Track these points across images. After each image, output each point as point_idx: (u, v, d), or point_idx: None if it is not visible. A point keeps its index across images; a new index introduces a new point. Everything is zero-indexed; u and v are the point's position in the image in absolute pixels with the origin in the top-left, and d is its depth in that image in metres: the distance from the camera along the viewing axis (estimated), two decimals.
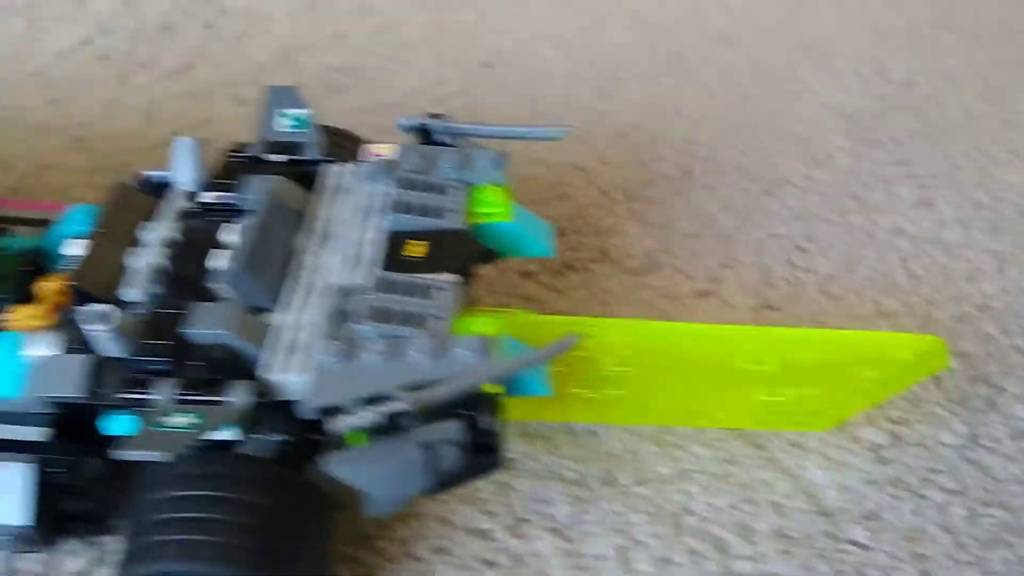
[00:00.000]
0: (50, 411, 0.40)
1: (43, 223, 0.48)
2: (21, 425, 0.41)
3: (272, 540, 0.38)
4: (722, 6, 0.80)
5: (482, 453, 0.38)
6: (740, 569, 0.44)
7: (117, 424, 0.40)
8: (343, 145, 0.51)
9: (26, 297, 0.43)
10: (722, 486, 0.47)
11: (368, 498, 0.38)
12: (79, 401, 0.39)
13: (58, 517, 0.41)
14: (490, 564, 0.44)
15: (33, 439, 0.40)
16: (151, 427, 0.36)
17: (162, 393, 0.38)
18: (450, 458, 0.37)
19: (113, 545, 0.43)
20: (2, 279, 0.44)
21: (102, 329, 0.39)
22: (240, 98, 0.68)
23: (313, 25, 0.75)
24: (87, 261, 0.42)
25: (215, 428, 0.37)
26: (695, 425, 0.49)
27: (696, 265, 0.57)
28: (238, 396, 0.38)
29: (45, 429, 0.41)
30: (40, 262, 0.46)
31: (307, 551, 0.39)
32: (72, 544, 0.43)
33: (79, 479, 0.41)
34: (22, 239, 0.48)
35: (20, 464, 0.40)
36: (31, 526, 0.40)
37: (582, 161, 0.63)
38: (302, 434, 0.40)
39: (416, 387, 0.37)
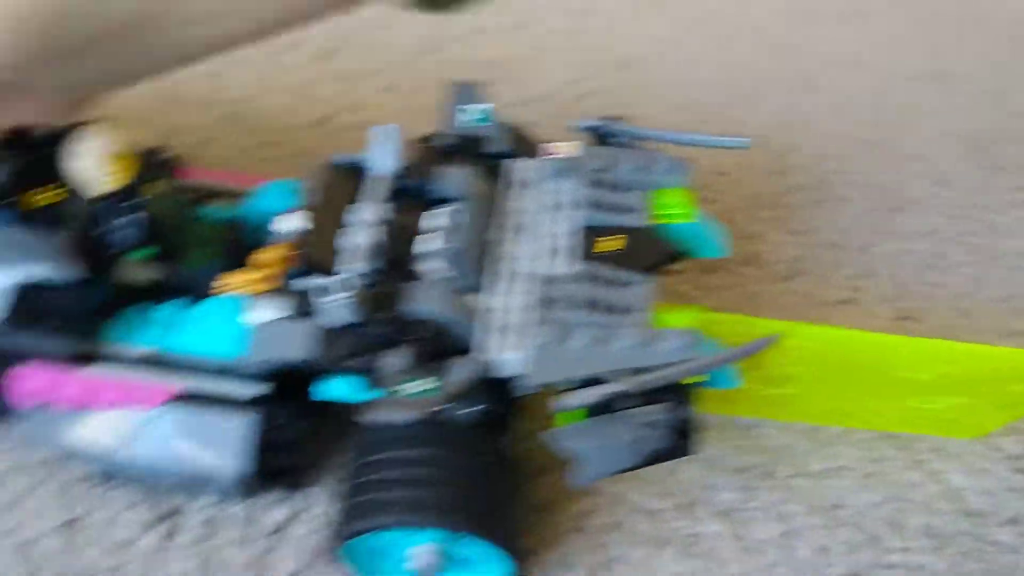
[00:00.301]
0: (269, 370, 0.44)
1: (236, 195, 0.52)
2: (242, 381, 0.44)
3: (480, 500, 0.41)
4: (845, 32, 0.82)
5: (681, 438, 0.41)
6: (893, 560, 0.47)
7: (334, 387, 0.43)
8: (520, 140, 0.54)
9: (234, 264, 0.47)
10: (871, 483, 0.50)
11: (579, 470, 0.40)
12: (304, 364, 0.42)
13: (267, 469, 0.45)
14: (664, 542, 0.47)
15: (253, 395, 0.44)
16: (392, 392, 0.39)
17: (394, 362, 0.41)
18: (656, 440, 0.40)
19: (308, 499, 0.47)
20: (214, 246, 0.48)
21: (334, 299, 0.41)
22: (386, 85, 0.71)
23: (458, 17, 0.78)
24: (309, 236, 0.45)
25: (447, 397, 0.40)
26: (846, 425, 0.52)
27: (836, 274, 0.60)
28: (463, 369, 0.41)
29: (263, 386, 0.44)
30: (238, 232, 0.49)
31: (507, 513, 0.42)
32: (273, 495, 0.47)
33: (290, 435, 0.45)
34: (221, 209, 0.51)
35: (242, 416, 0.43)
36: (247, 475, 0.44)
37: (724, 167, 0.66)
38: (503, 405, 0.43)
39: (632, 373, 0.40)
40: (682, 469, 0.49)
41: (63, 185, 0.44)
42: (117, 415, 0.43)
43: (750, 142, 0.50)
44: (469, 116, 0.52)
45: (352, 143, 0.67)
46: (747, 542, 0.47)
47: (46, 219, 0.44)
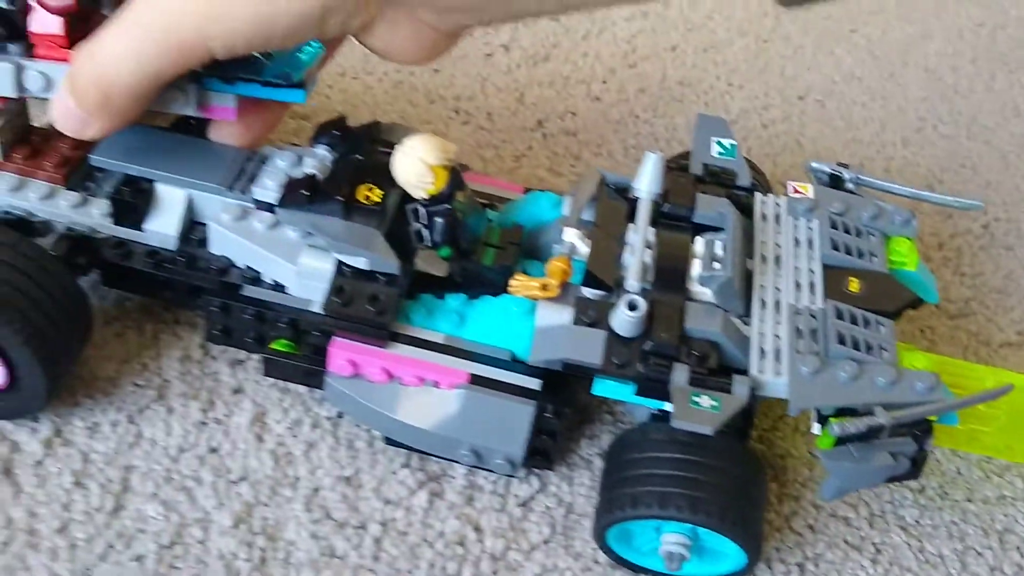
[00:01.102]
0: (546, 367, 0.50)
1: (502, 199, 0.58)
2: (521, 374, 0.51)
3: (730, 501, 0.47)
4: (1017, 79, 0.87)
5: (914, 466, 0.48)
6: None
7: (612, 389, 0.49)
8: (758, 174, 0.60)
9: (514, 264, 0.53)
10: None
11: (831, 487, 0.47)
12: (580, 366, 0.49)
13: (530, 451, 0.51)
14: (856, 547, 0.53)
15: (531, 387, 0.50)
16: (687, 404, 0.46)
17: (679, 375, 0.47)
18: (897, 466, 0.47)
19: (548, 477, 0.53)
20: (500, 247, 0.54)
21: (624, 314, 0.48)
22: (593, 94, 0.77)
23: (649, 35, 0.83)
24: (595, 251, 0.51)
25: (728, 412, 0.46)
26: (1015, 460, 0.58)
27: (1004, 317, 0.66)
28: (739, 388, 0.47)
29: (538, 380, 0.50)
30: (520, 236, 0.55)
31: (751, 515, 0.49)
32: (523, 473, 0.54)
33: (553, 424, 0.51)
34: (500, 213, 0.57)
35: (523, 405, 0.50)
36: (518, 455, 0.50)
37: None
38: (748, 418, 0.50)
39: (889, 407, 0.46)
40: None
41: (382, 182, 0.51)
42: (418, 391, 0.50)
43: (979, 206, 0.56)
44: (717, 149, 0.58)
45: (566, 149, 0.73)
46: (927, 555, 0.54)
47: (367, 213, 0.50)
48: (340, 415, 0.54)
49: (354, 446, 0.53)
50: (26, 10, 0.49)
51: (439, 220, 0.51)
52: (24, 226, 0.52)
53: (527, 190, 0.59)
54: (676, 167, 0.58)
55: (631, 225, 0.53)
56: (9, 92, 0.50)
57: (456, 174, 0.51)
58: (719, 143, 0.59)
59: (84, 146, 0.54)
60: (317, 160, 0.53)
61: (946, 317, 0.65)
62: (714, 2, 0.87)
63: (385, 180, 0.51)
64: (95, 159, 0.52)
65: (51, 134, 0.54)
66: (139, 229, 0.52)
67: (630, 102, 0.76)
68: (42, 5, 0.48)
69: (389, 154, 0.51)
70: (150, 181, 0.52)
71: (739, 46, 0.84)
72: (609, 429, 0.56)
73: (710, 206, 0.54)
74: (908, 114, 0.81)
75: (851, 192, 0.57)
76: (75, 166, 0.53)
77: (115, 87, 0.46)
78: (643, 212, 0.53)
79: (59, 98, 0.47)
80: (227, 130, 0.54)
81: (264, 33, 0.45)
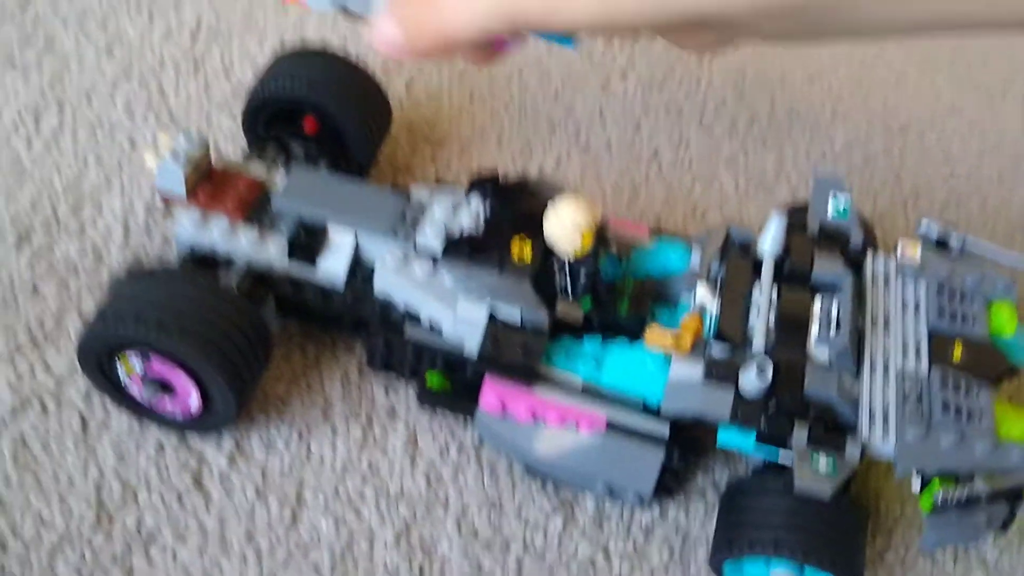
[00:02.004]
0: (675, 416, 0.56)
1: (632, 243, 0.63)
2: (652, 420, 0.56)
3: (836, 542, 0.53)
4: None
5: (1003, 526, 0.53)
6: None
7: (737, 440, 0.55)
8: (869, 231, 0.65)
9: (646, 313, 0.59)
10: None
11: (931, 540, 0.52)
12: (707, 419, 0.54)
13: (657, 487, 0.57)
14: None
15: (661, 434, 0.56)
16: (806, 465, 0.51)
17: (799, 435, 0.53)
18: (992, 526, 0.52)
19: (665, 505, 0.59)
20: (634, 298, 0.60)
21: (750, 373, 0.53)
22: (706, 123, 0.81)
23: (759, 61, 0.86)
24: (725, 309, 0.56)
25: (843, 476, 0.52)
26: None
27: None
28: (851, 450, 0.52)
29: (668, 426, 0.56)
30: (652, 288, 0.61)
31: (856, 554, 0.54)
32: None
33: (678, 466, 0.57)
34: (627, 263, 0.62)
35: (653, 450, 0.56)
36: (647, 493, 0.56)
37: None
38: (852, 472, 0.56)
39: (986, 473, 0.51)
40: None
41: (532, 237, 0.56)
42: (560, 431, 0.56)
43: None
44: (833, 208, 0.63)
45: (679, 181, 0.77)
46: None
47: (518, 269, 0.56)
48: (482, 440, 0.60)
49: (496, 471, 0.59)
50: None
51: (583, 277, 0.56)
52: (208, 261, 0.59)
53: (651, 231, 0.64)
54: (795, 222, 0.62)
55: (756, 282, 0.58)
56: (327, 6, 0.52)
57: (600, 235, 0.56)
58: (834, 202, 0.63)
59: (257, 187, 0.60)
60: (472, 210, 0.59)
61: None
62: None
63: (534, 234, 0.56)
64: (278, 203, 0.58)
65: (230, 174, 0.60)
66: (312, 266, 0.58)
67: (740, 133, 0.80)
68: None
69: (538, 207, 0.56)
70: (323, 224, 0.58)
71: (844, 73, 0.87)
72: (721, 462, 0.61)
73: (827, 267, 0.59)
74: (1005, 148, 0.84)
75: (957, 255, 0.62)
76: (253, 204, 0.59)
77: (449, 39, 0.49)
78: (767, 272, 0.58)
79: (386, 28, 0.50)
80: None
81: (604, 28, 0.48)
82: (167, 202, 0.60)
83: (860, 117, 0.84)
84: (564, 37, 0.51)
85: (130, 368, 0.54)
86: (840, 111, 0.84)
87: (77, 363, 0.55)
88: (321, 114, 0.65)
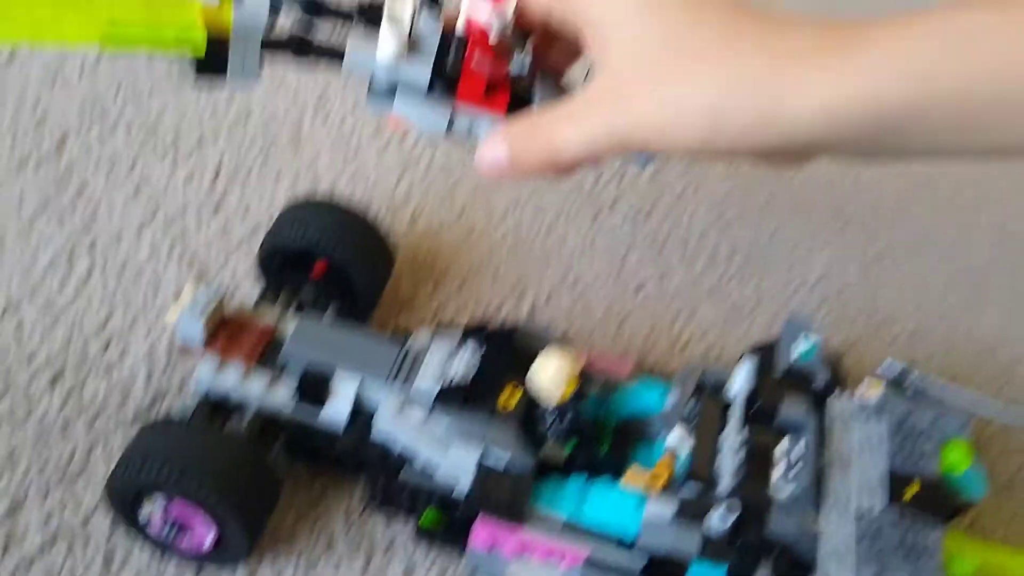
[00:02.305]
0: (651, 551, 0.60)
1: (613, 381, 0.68)
2: (629, 553, 0.61)
3: None
4: None
5: None
6: None
7: (703, 572, 0.59)
8: (836, 369, 0.70)
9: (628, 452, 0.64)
10: None
11: None
12: (690, 556, 0.59)
13: None
14: None
15: (638, 567, 0.60)
16: None
17: (763, 572, 0.57)
18: None
19: None
20: (615, 437, 0.65)
21: (717, 512, 0.58)
22: (688, 256, 0.87)
23: (741, 193, 0.92)
24: (697, 449, 0.61)
25: None
26: None
27: None
28: None
29: (644, 561, 0.61)
30: (632, 427, 0.66)
31: None
32: None
33: None
34: (611, 401, 0.67)
35: None
36: None
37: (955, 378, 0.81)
38: None
39: None
40: None
41: (520, 384, 0.61)
42: (544, 566, 0.60)
43: None
44: (799, 350, 0.68)
45: (664, 311, 0.82)
46: None
47: (507, 416, 0.61)
48: (474, 572, 0.64)
49: None
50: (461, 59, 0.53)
51: (566, 422, 0.61)
52: (224, 404, 0.64)
53: (635, 366, 0.69)
54: (765, 361, 0.67)
55: (728, 422, 0.63)
56: (440, 132, 0.54)
57: (581, 383, 0.61)
58: (801, 344, 0.68)
59: (267, 334, 0.66)
60: (465, 359, 0.64)
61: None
62: None
63: (522, 381, 0.62)
64: (287, 351, 0.64)
65: (243, 322, 0.66)
66: (317, 410, 0.64)
67: (721, 265, 0.86)
68: (477, 72, 0.52)
69: (526, 354, 0.62)
70: (328, 371, 0.64)
71: (822, 205, 0.93)
72: None
73: (793, 409, 0.64)
74: (972, 277, 0.89)
75: (914, 394, 0.66)
76: (265, 350, 0.65)
77: (557, 161, 0.50)
78: (736, 416, 0.63)
79: (493, 149, 0.51)
80: None
81: (707, 153, 0.49)
82: (185, 351, 0.65)
83: (837, 247, 0.90)
84: (649, 159, 0.55)
85: (153, 509, 0.60)
86: (817, 243, 0.90)
87: (104, 502, 0.60)
88: (329, 260, 0.71)
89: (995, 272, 0.90)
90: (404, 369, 0.64)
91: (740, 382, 0.64)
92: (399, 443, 0.63)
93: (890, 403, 0.66)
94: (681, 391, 0.65)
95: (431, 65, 0.51)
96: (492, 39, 0.51)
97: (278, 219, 0.73)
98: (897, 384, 0.68)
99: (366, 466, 0.64)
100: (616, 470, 0.63)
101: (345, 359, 0.64)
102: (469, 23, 0.51)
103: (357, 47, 0.51)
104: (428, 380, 0.63)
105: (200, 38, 0.48)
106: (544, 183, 0.88)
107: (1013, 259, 0.91)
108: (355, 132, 0.90)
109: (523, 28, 0.53)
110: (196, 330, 0.64)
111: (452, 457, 0.61)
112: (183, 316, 0.63)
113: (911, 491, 0.61)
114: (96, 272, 0.76)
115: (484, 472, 0.61)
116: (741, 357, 0.67)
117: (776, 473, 0.61)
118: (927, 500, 0.61)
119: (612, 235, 0.87)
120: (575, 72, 0.55)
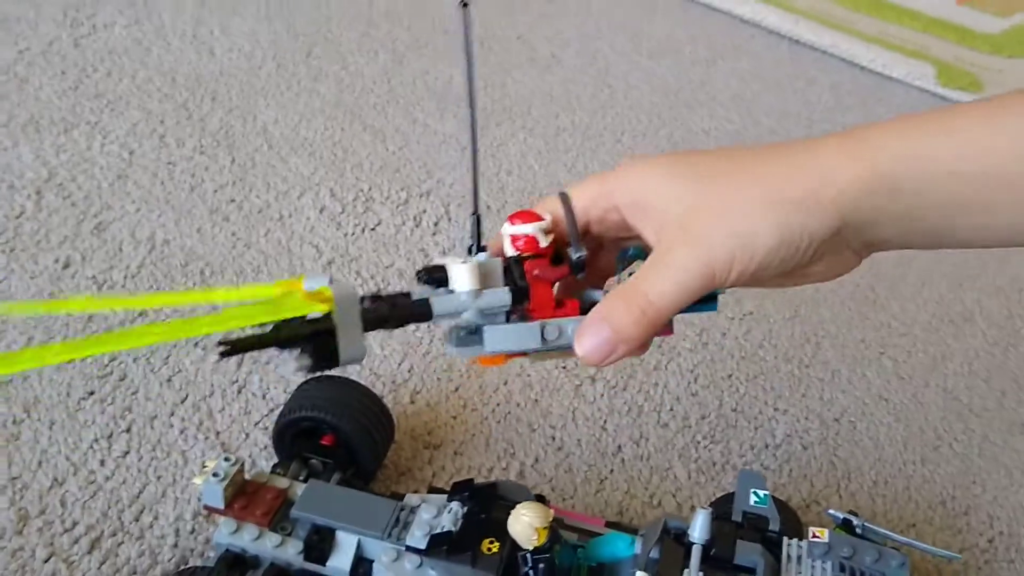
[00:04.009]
0: None
1: (585, 533, 0.76)
2: None
3: None
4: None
5: None
6: None
7: None
8: (788, 514, 0.77)
9: None
10: None
11: None
12: None
13: None
14: None
15: None
16: None
17: None
18: None
19: None
20: None
21: None
22: (662, 422, 0.96)
23: (709, 365, 1.02)
24: None
25: None
26: None
27: None
28: None
29: None
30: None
31: None
32: None
33: None
34: (582, 551, 0.75)
35: None
36: None
37: (914, 526, 0.88)
38: None
39: None
40: None
41: (499, 535, 0.69)
42: None
43: (958, 558, 0.72)
44: (754, 499, 0.76)
45: (639, 472, 0.90)
46: None
47: (488, 561, 0.69)
48: None
49: None
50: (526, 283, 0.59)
51: (542, 567, 0.69)
52: (240, 559, 0.73)
53: (608, 524, 0.77)
54: (721, 513, 0.75)
55: (687, 567, 0.71)
56: (536, 346, 0.58)
57: (554, 531, 0.70)
58: (755, 494, 0.76)
59: (280, 496, 0.74)
60: (452, 513, 0.73)
61: None
62: (763, 332, 1.06)
63: (503, 532, 0.70)
64: (295, 513, 0.73)
65: (259, 488, 0.75)
66: (323, 565, 0.72)
67: (692, 428, 0.95)
68: (543, 281, 0.58)
69: (506, 508, 0.70)
70: (332, 529, 0.72)
71: (784, 372, 1.03)
72: None
73: (747, 551, 0.71)
74: (927, 433, 0.97)
75: (860, 536, 0.74)
76: (277, 512, 0.74)
77: (658, 317, 0.55)
78: (695, 558, 0.71)
79: (593, 334, 0.56)
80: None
81: (775, 263, 0.54)
82: (209, 512, 0.74)
83: (798, 411, 0.98)
84: (711, 304, 0.59)
85: None
86: (780, 407, 0.99)
87: None
88: (336, 432, 0.81)
89: (946, 429, 0.98)
90: (399, 526, 0.73)
91: (699, 529, 0.72)
92: None
93: (836, 544, 0.73)
94: (646, 539, 0.73)
95: (505, 285, 0.57)
96: (542, 243, 0.57)
97: (292, 396, 0.83)
98: (847, 529, 0.75)
99: None
100: None
101: (346, 519, 0.73)
102: (515, 239, 0.58)
103: (439, 295, 0.56)
104: (419, 534, 0.71)
105: (324, 307, 0.51)
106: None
107: (962, 414, 0.99)
108: None
109: (571, 229, 0.58)
110: (217, 496, 0.73)
111: None
112: (207, 484, 0.73)
113: None
114: (132, 451, 0.86)
115: None
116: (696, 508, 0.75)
117: None
118: None
119: (592, 405, 0.96)
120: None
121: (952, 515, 0.89)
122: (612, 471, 0.90)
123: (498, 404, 0.95)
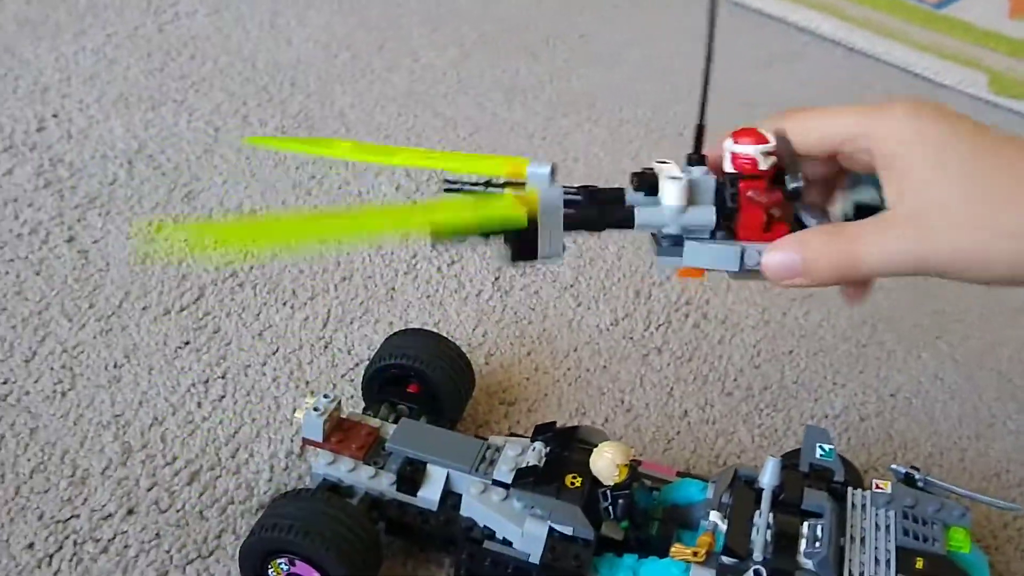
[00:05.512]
0: None
1: (660, 481, 0.81)
2: None
3: None
4: None
5: None
6: None
7: None
8: (850, 469, 0.81)
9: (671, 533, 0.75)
10: None
11: None
12: None
13: None
14: None
15: None
16: None
17: None
18: None
19: None
20: (663, 521, 0.76)
21: None
22: (727, 390, 1.00)
23: (771, 341, 1.06)
24: (732, 529, 0.72)
25: None
26: None
27: None
28: None
29: None
30: (677, 514, 0.78)
31: None
32: None
33: None
34: (657, 494, 0.79)
35: None
36: None
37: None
38: None
39: None
40: None
41: (582, 472, 0.74)
42: None
43: (1020, 509, 0.75)
44: (820, 452, 0.80)
45: (705, 435, 0.94)
46: None
47: (571, 494, 0.73)
48: None
49: None
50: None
51: (621, 502, 0.73)
52: (338, 489, 0.77)
53: (679, 473, 0.81)
54: (789, 464, 0.79)
55: (757, 510, 0.75)
56: (734, 268, 0.57)
57: (634, 470, 0.74)
58: (821, 447, 0.80)
59: (373, 433, 0.79)
60: (536, 451, 0.77)
61: None
62: (822, 314, 1.10)
63: (584, 470, 0.74)
64: (390, 446, 0.78)
65: (354, 425, 0.80)
66: (414, 495, 0.76)
67: (755, 397, 0.99)
68: (756, 204, 0.55)
69: (586, 450, 0.74)
70: (424, 462, 0.77)
71: (842, 350, 1.06)
72: None
73: (814, 497, 0.75)
74: (982, 411, 1.01)
75: (921, 489, 0.78)
76: (371, 447, 0.79)
77: (854, 272, 0.53)
78: (766, 501, 0.75)
79: (784, 255, 0.54)
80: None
81: (1002, 284, 0.52)
82: (307, 445, 0.79)
83: (856, 386, 1.02)
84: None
85: (279, 571, 0.72)
86: (839, 381, 1.03)
87: (237, 566, 0.73)
88: (422, 380, 0.86)
89: (1000, 408, 1.01)
90: (485, 462, 0.77)
91: (768, 475, 0.76)
92: (481, 520, 0.76)
93: (899, 495, 0.77)
94: (718, 484, 0.77)
95: (714, 205, 0.56)
96: (762, 165, 0.55)
97: (381, 346, 0.89)
98: (908, 481, 0.79)
99: (454, 542, 0.76)
100: (663, 550, 0.74)
101: (437, 453, 0.78)
102: (735, 157, 0.55)
103: (645, 207, 0.56)
104: (505, 469, 0.76)
105: (522, 217, 0.53)
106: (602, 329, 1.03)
107: (1016, 395, 1.03)
108: (440, 289, 1.06)
109: (789, 158, 0.55)
110: (317, 429, 0.78)
111: (526, 530, 0.73)
112: (308, 416, 0.78)
113: (920, 563, 0.71)
114: (228, 395, 0.91)
115: (553, 542, 0.73)
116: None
117: (801, 548, 0.72)
118: (935, 571, 0.71)
119: (659, 373, 1.00)
120: (837, 206, 0.60)
121: (1006, 487, 0.93)
122: (679, 432, 0.94)
123: (568, 368, 1.00)
